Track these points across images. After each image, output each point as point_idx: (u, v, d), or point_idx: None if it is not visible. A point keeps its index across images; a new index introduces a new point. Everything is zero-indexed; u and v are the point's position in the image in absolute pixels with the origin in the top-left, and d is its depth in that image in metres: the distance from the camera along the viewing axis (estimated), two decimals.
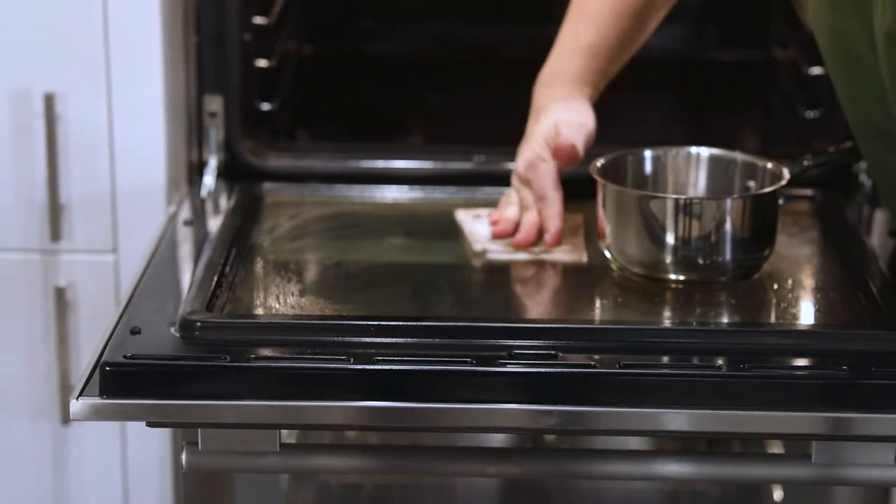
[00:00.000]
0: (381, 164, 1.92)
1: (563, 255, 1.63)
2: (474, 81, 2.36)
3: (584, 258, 1.63)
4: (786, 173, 1.56)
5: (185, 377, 1.35)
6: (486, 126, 2.17)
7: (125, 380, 1.34)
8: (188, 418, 1.37)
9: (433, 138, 2.21)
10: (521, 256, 1.63)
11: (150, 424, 1.40)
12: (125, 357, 1.36)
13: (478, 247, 1.65)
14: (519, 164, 1.67)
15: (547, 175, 1.63)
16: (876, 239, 1.74)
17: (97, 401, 1.34)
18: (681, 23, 2.45)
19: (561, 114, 1.64)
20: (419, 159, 1.93)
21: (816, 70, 2.01)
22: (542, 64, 1.71)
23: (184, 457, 1.40)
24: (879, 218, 1.82)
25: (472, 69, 2.39)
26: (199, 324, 1.41)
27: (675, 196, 1.57)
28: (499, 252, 1.64)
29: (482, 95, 2.30)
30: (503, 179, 1.88)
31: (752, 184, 1.60)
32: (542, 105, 1.67)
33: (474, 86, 2.35)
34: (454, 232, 1.71)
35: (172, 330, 1.41)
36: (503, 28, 2.39)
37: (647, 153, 1.63)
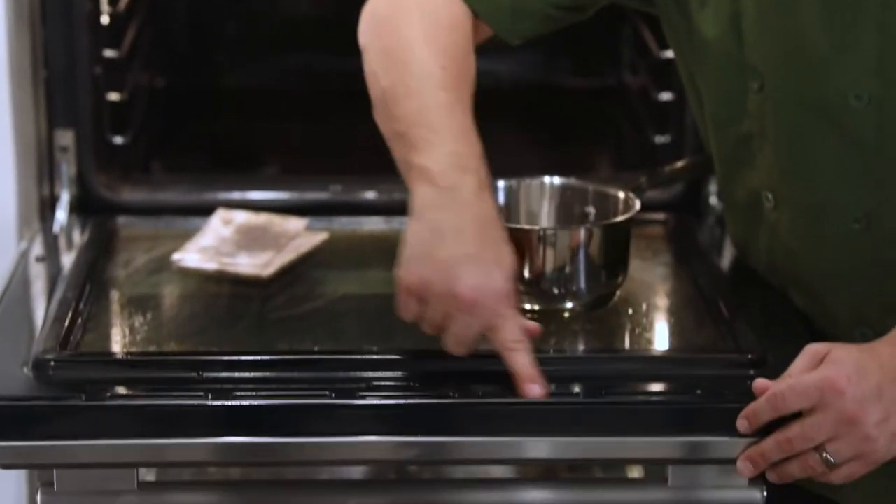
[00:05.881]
0: (236, 195, 1.91)
1: (247, 268, 1.66)
2: (331, 113, 2.36)
3: (266, 273, 1.65)
4: (637, 202, 1.58)
5: (39, 417, 1.33)
6: (343, 157, 2.18)
7: None
8: (43, 459, 1.35)
9: (290, 169, 2.21)
10: (209, 266, 1.65)
11: (4, 466, 1.37)
12: None
13: (176, 256, 1.68)
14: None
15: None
16: (726, 260, 1.77)
17: None
18: (533, 50, 2.47)
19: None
20: (275, 190, 1.93)
21: (666, 96, 2.05)
22: None
23: (39, 498, 1.38)
24: (730, 240, 1.85)
25: (329, 101, 2.39)
26: (52, 362, 1.39)
27: (527, 226, 1.58)
28: (190, 261, 1.67)
29: (338, 127, 2.30)
30: (359, 209, 1.90)
31: (602, 212, 1.62)
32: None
33: (331, 117, 2.35)
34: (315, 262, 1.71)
35: (25, 370, 1.39)
36: (359, 60, 2.39)
37: (500, 183, 1.64)
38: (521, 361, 1.34)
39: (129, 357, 1.44)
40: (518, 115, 2.41)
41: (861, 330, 1.46)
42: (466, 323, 1.33)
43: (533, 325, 1.37)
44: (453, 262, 1.33)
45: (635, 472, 2.02)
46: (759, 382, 1.33)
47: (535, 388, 1.34)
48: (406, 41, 1.45)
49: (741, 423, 1.32)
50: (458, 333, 1.34)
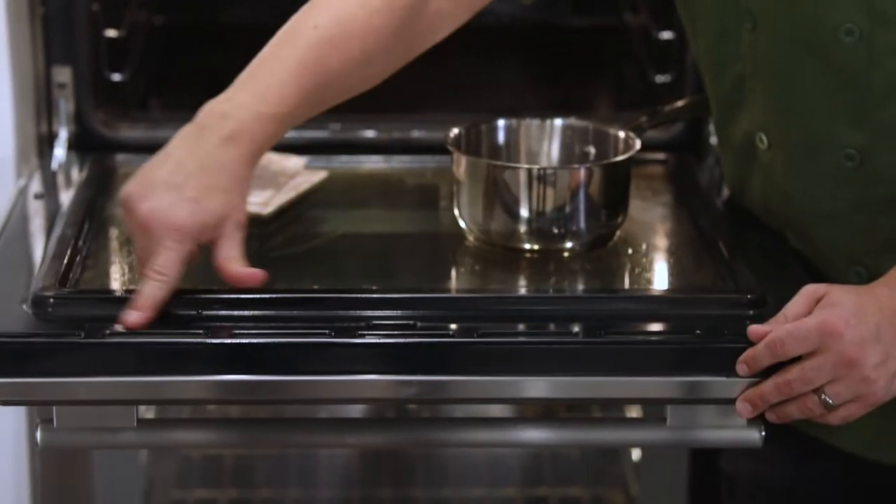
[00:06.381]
0: None
1: (247, 206, 1.64)
2: None
3: (265, 212, 1.64)
4: (637, 142, 1.58)
5: (39, 354, 1.33)
6: None
7: None
8: (42, 396, 1.35)
9: None
10: None
11: (4, 403, 1.38)
12: None
13: None
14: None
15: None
16: (726, 201, 1.76)
17: None
18: None
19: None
20: None
21: (666, 35, 2.04)
22: None
23: (38, 434, 1.39)
24: (726, 184, 1.85)
25: None
26: (51, 300, 1.38)
27: (527, 166, 1.58)
28: None
29: None
30: (359, 147, 1.89)
31: (602, 152, 1.62)
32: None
33: None
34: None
35: (24, 307, 1.39)
36: None
37: (501, 123, 1.64)
38: (145, 291, 1.35)
39: (128, 294, 1.43)
40: (517, 54, 2.40)
41: (855, 269, 1.46)
42: (140, 244, 1.37)
43: (253, 272, 1.37)
44: (151, 184, 1.36)
45: (634, 412, 2.03)
46: (754, 328, 1.33)
47: (130, 314, 1.34)
48: (348, 3, 1.46)
49: (740, 368, 1.33)
50: (137, 252, 1.38)
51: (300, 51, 1.42)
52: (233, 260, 1.37)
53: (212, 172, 1.37)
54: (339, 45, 1.44)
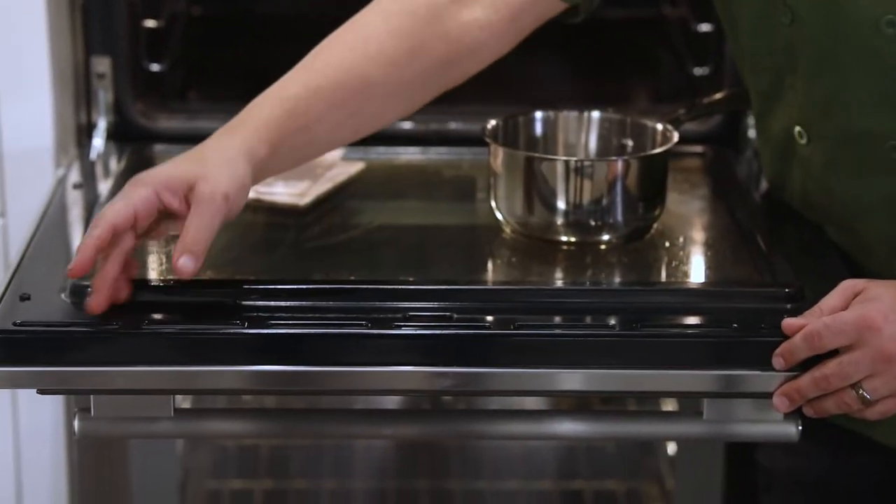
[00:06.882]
0: None
1: (284, 197, 1.65)
2: None
3: (303, 202, 1.64)
4: (675, 134, 1.57)
5: (76, 343, 1.34)
6: None
7: (15, 347, 1.33)
8: (80, 385, 1.36)
9: None
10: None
11: (42, 392, 1.38)
12: (15, 324, 1.34)
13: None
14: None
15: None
16: (764, 194, 1.76)
17: None
18: None
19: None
20: None
21: (705, 27, 2.03)
22: None
23: (76, 423, 1.39)
24: (765, 179, 1.84)
25: None
26: (89, 289, 1.39)
27: (564, 158, 1.58)
28: None
29: None
30: (396, 139, 1.89)
31: (640, 144, 1.61)
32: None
33: None
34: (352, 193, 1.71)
35: (63, 296, 1.40)
36: None
37: (538, 115, 1.64)
38: (84, 240, 1.34)
39: (165, 284, 1.45)
40: (555, 46, 2.39)
41: None
42: None
43: (181, 266, 1.34)
44: None
45: (670, 405, 2.03)
46: (789, 322, 1.32)
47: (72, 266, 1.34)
48: (365, 11, 1.49)
49: (777, 361, 1.32)
50: None
51: (310, 74, 1.47)
52: (187, 231, 1.34)
53: (199, 149, 1.41)
54: (350, 43, 1.47)
